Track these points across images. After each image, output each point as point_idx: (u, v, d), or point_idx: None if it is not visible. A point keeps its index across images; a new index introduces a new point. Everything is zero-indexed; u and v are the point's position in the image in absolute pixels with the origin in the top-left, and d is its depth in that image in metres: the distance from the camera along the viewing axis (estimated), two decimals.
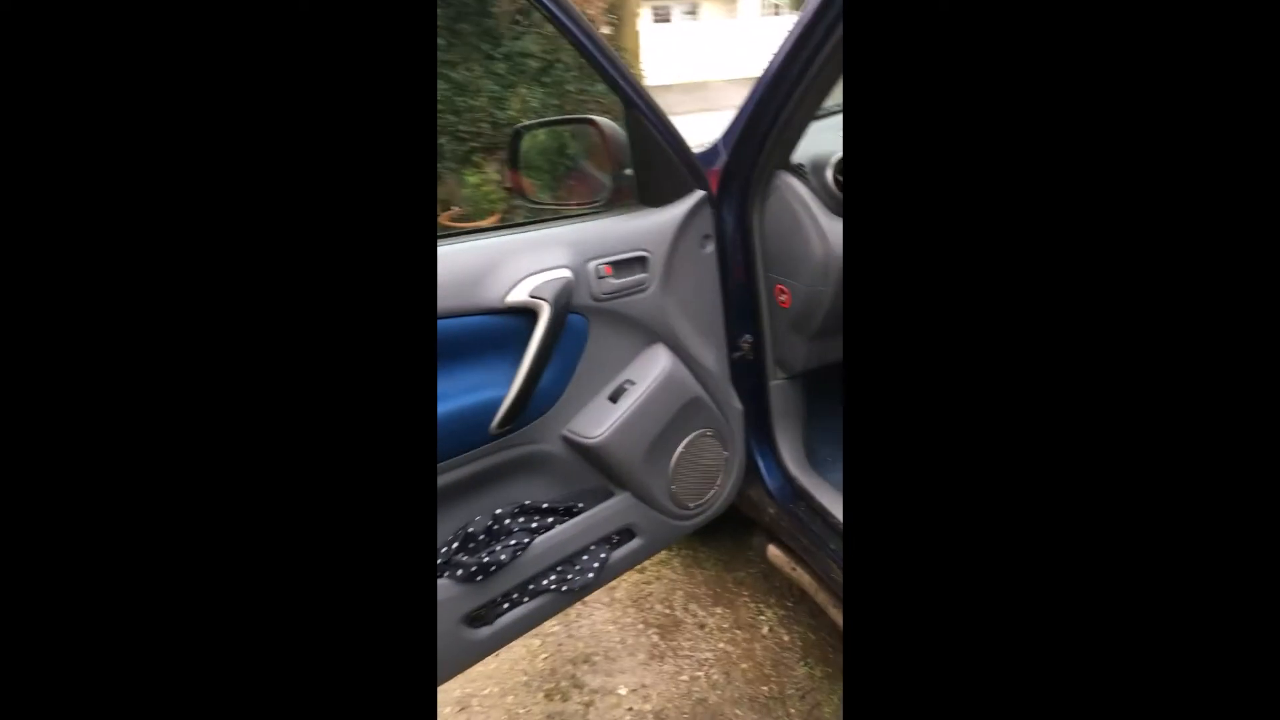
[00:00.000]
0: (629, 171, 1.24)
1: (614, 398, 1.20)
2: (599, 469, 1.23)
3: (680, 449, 1.29)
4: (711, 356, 1.34)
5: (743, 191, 1.35)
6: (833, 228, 1.29)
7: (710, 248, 1.29)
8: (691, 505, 1.35)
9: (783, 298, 1.41)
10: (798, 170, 1.33)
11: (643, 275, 1.19)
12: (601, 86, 1.22)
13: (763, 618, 1.73)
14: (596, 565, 1.23)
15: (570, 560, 1.21)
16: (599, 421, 1.18)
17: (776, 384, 1.52)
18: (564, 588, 1.20)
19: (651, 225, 1.21)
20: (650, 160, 1.21)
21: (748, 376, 1.45)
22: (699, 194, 1.25)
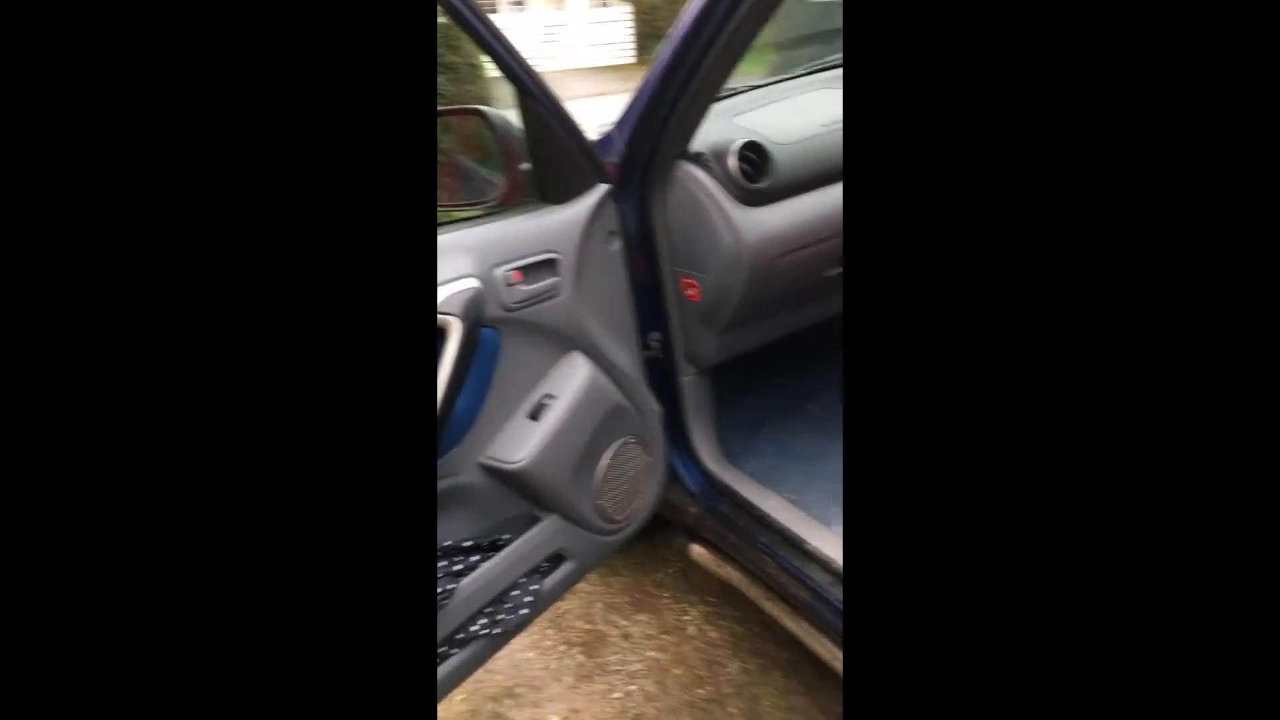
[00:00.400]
0: (525, 166, 1.13)
1: (534, 415, 1.09)
2: (523, 495, 1.12)
3: (605, 461, 1.21)
4: (626, 358, 1.26)
5: (642, 183, 1.28)
6: (741, 217, 1.25)
7: (616, 244, 1.22)
8: (619, 518, 1.28)
9: (690, 291, 1.36)
10: (698, 159, 1.28)
11: (554, 279, 1.09)
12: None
13: (688, 618, 1.69)
14: (529, 600, 1.13)
15: (500, 599, 1.10)
16: (520, 444, 1.07)
17: (687, 380, 1.47)
18: (497, 630, 1.08)
19: (557, 224, 1.11)
20: (549, 153, 1.11)
21: (657, 375, 1.40)
22: (602, 188, 1.17)
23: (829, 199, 1.34)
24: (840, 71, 1.61)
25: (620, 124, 1.28)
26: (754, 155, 1.27)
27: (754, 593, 1.42)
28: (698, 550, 1.54)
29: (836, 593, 1.20)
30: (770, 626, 1.61)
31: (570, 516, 1.18)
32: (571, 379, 1.13)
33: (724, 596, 1.72)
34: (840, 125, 1.39)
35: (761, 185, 1.27)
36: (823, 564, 1.24)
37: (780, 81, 1.59)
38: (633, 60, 8.66)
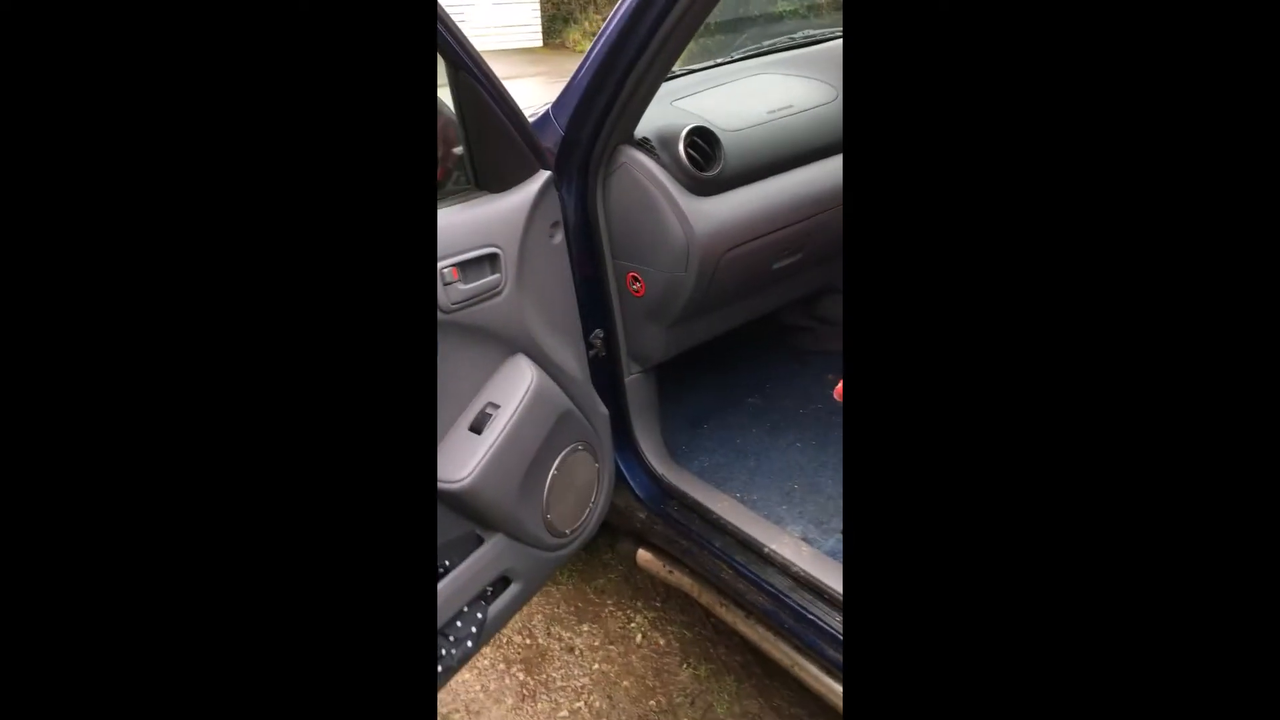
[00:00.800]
0: (459, 150, 1.01)
1: (477, 427, 0.99)
2: (467, 515, 1.01)
3: (553, 471, 1.12)
4: (572, 359, 1.17)
5: (583, 170, 1.19)
6: (691, 207, 1.18)
7: (559, 237, 1.12)
8: (568, 531, 1.19)
9: (636, 286, 1.28)
10: (644, 145, 1.20)
11: (495, 276, 0.99)
12: None
13: (633, 625, 1.63)
14: (474, 629, 1.03)
15: (443, 632, 0.99)
16: (463, 460, 0.96)
17: (632, 379, 1.40)
18: (441, 667, 0.98)
19: (496, 215, 1.00)
20: (487, 136, 1.00)
21: (601, 374, 1.32)
22: (544, 175, 1.07)
23: (777, 189, 1.29)
24: (781, 56, 1.56)
25: (558, 106, 1.18)
26: (703, 142, 1.20)
27: (706, 598, 1.37)
28: (644, 556, 1.48)
29: (796, 597, 1.16)
30: (719, 629, 1.57)
31: (517, 535, 1.08)
32: (516, 385, 1.03)
33: (669, 601, 1.67)
34: (788, 112, 1.34)
35: (711, 174, 1.20)
36: (780, 568, 1.20)
37: (720, 65, 1.52)
38: (540, 44, 8.45)
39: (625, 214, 1.23)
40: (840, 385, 1.11)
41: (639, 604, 1.68)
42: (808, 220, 1.32)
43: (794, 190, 1.29)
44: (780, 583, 1.18)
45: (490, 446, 0.97)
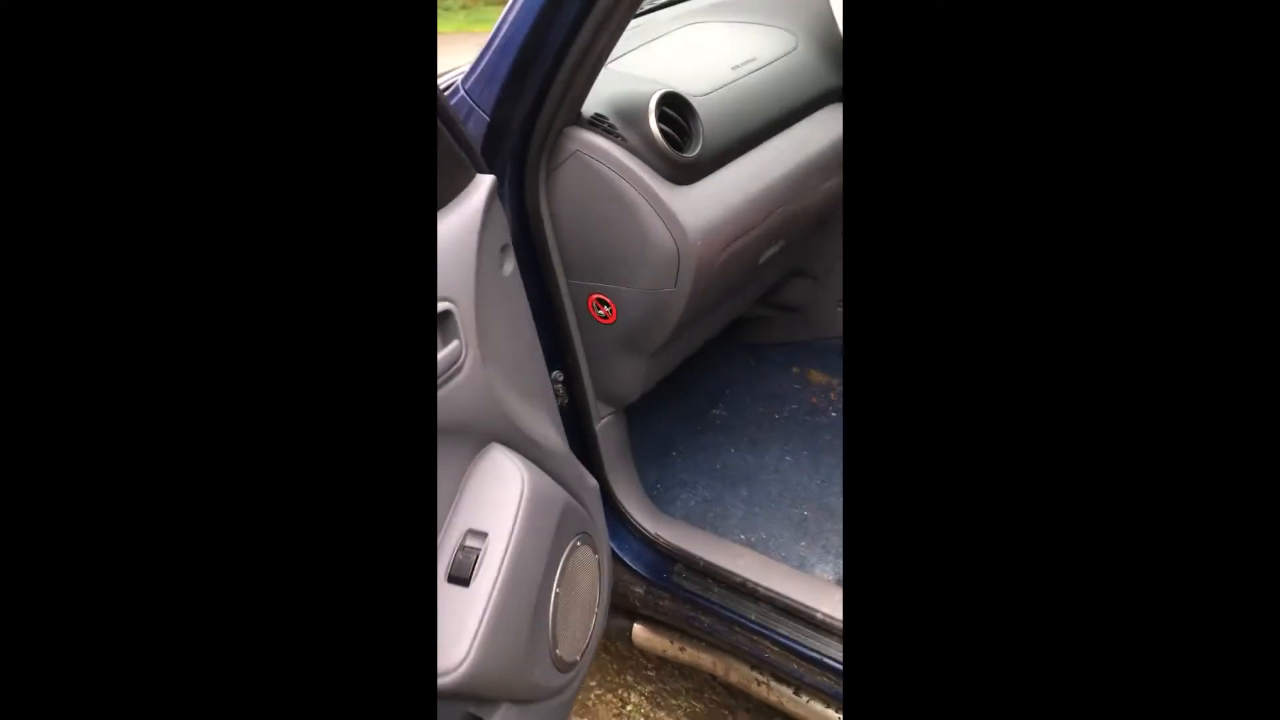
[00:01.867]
0: None
1: (460, 577, 0.66)
2: (462, 702, 0.68)
3: (556, 591, 0.81)
4: (550, 426, 0.86)
5: (518, 164, 0.86)
6: (676, 202, 0.89)
7: (510, 264, 0.79)
8: (578, 657, 0.88)
9: (603, 311, 0.98)
10: (598, 125, 0.89)
11: (452, 346, 0.65)
12: None
13: (630, 707, 1.35)
14: None
15: None
16: (451, 636, 0.63)
17: (603, 425, 1.10)
18: None
19: (441, 250, 0.66)
20: None
21: (564, 426, 1.01)
22: (484, 181, 0.73)
23: (765, 164, 1.02)
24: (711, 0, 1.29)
25: (475, 78, 0.84)
26: (676, 115, 0.91)
27: (737, 676, 1.12)
28: (643, 634, 1.20)
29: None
30: (733, 692, 1.33)
31: (523, 697, 0.76)
32: (502, 497, 0.70)
33: (664, 667, 1.40)
34: (753, 65, 1.07)
35: (691, 155, 0.91)
36: (826, 629, 0.97)
37: (651, 10, 1.22)
38: None
39: (582, 218, 0.91)
40: None
41: (629, 679, 1.40)
42: (805, 196, 1.07)
43: (782, 163, 1.03)
44: (823, 647, 0.96)
45: (486, 607, 0.65)
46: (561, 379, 1.02)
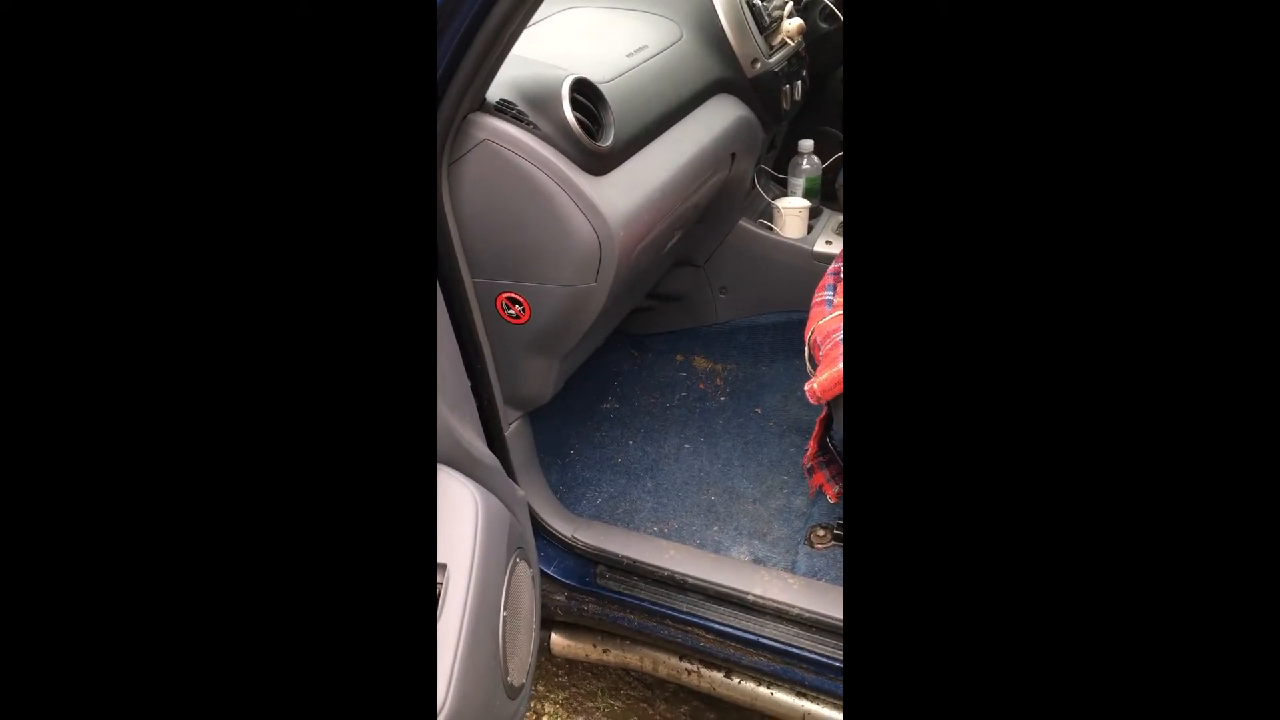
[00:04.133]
0: None
1: None
2: None
3: (503, 615, 0.75)
4: (477, 437, 0.80)
5: None
6: (595, 192, 0.85)
7: None
8: (525, 679, 0.83)
9: (515, 310, 0.92)
10: (506, 111, 0.82)
11: None
12: None
13: (545, 719, 1.30)
14: None
15: None
16: None
17: (512, 431, 1.04)
18: None
19: None
20: None
21: None
22: None
23: (669, 154, 1.01)
24: None
25: None
26: (587, 101, 0.87)
27: (666, 669, 1.12)
28: (561, 642, 1.16)
29: (805, 642, 0.98)
30: (649, 684, 1.33)
31: None
32: (457, 526, 0.64)
33: (572, 672, 1.37)
34: (646, 53, 1.05)
35: (606, 144, 0.88)
36: (776, 614, 1.00)
37: None
38: None
39: (491, 213, 0.85)
40: (814, 382, 0.92)
41: (541, 688, 1.35)
42: (703, 186, 1.07)
43: (683, 152, 1.02)
44: (781, 633, 0.98)
45: (457, 646, 0.58)
46: (469, 385, 0.95)
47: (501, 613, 0.75)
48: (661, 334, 1.60)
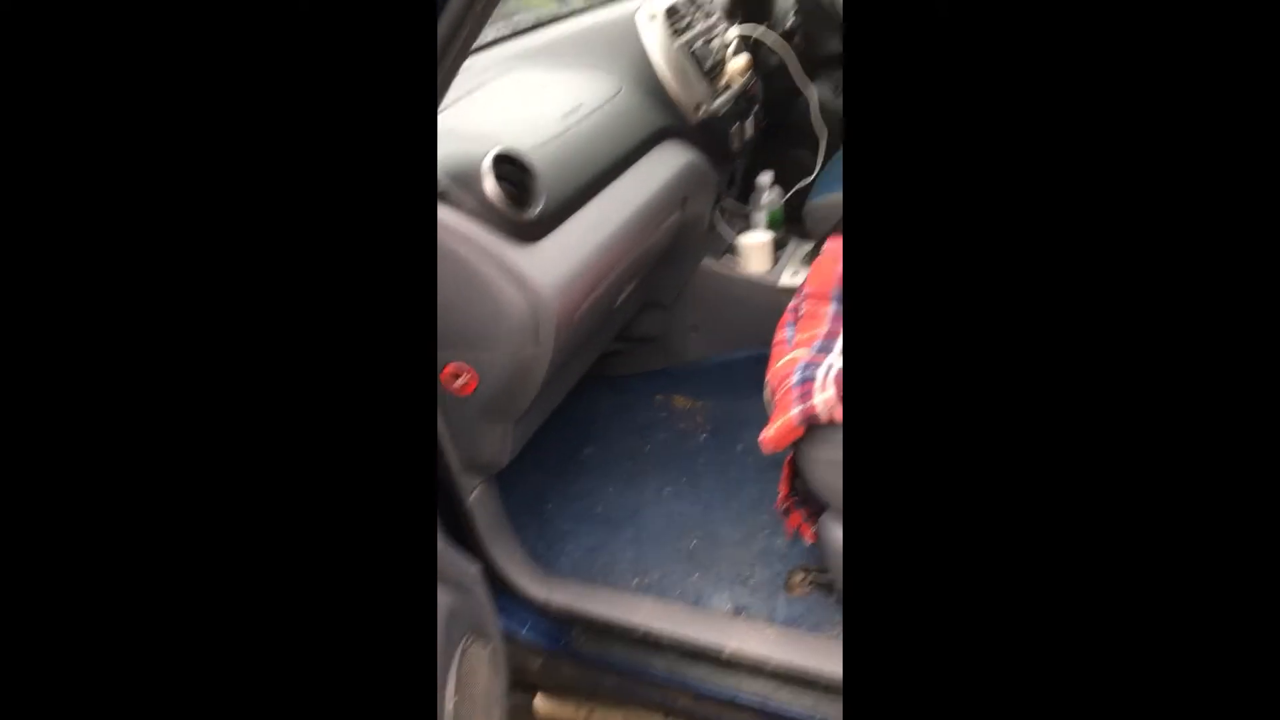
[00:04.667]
0: None
1: None
2: None
3: (453, 702, 0.74)
4: None
5: None
6: (524, 261, 0.85)
7: None
8: None
9: (461, 381, 0.92)
10: None
11: None
12: None
13: None
14: None
15: None
16: None
17: (475, 497, 1.04)
18: None
19: None
20: None
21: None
22: None
23: (607, 213, 1.01)
24: (520, 45, 1.26)
25: None
26: (513, 170, 0.87)
27: None
28: (545, 706, 1.14)
29: (785, 696, 0.95)
30: None
31: None
32: None
33: None
34: (581, 112, 1.06)
35: (532, 213, 0.88)
36: (753, 668, 0.98)
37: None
38: None
39: None
40: (766, 432, 0.90)
41: None
42: (655, 233, 1.07)
43: (626, 205, 1.02)
44: (759, 688, 0.96)
45: None
46: None
47: (449, 702, 0.74)
48: (638, 375, 1.60)
